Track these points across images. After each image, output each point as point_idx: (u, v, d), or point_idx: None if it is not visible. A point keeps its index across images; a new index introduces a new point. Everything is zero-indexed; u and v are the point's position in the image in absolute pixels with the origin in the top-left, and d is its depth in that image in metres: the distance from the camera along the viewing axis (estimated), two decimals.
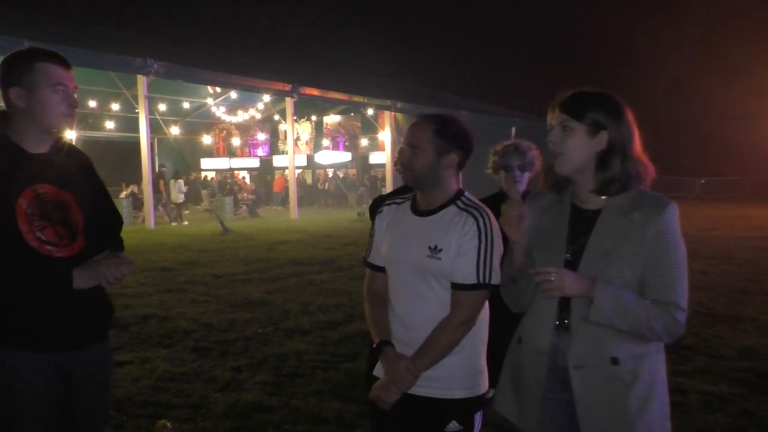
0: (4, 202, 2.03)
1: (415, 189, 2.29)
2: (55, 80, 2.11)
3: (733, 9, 41.26)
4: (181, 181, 20.58)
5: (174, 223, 19.68)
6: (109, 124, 26.07)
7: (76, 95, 2.20)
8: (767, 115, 34.71)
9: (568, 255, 1.96)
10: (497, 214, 3.15)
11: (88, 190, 2.28)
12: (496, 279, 2.14)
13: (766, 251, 11.48)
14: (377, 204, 3.20)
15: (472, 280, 2.12)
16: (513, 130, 29.93)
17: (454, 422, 2.14)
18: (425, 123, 2.22)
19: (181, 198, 20.37)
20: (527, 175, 3.43)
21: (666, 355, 2.00)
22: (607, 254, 1.89)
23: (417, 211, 2.26)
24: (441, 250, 2.14)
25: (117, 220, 2.42)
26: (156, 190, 19.76)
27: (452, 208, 2.20)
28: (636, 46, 42.89)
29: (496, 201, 3.31)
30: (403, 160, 2.25)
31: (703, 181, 35.41)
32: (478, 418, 2.21)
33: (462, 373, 2.17)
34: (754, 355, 5.11)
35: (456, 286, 2.14)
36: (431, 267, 2.15)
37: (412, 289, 2.20)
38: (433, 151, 2.18)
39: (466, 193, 2.28)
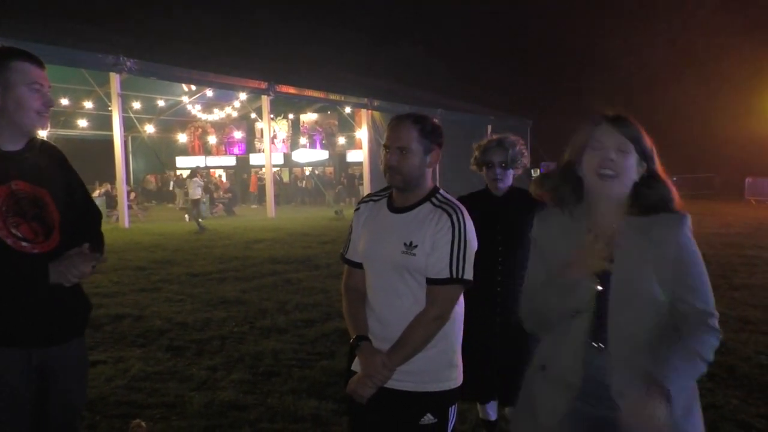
0: None
1: (402, 191, 2.27)
2: (32, 79, 2.14)
3: (702, 9, 41.99)
4: (197, 179, 20.79)
5: (201, 219, 19.35)
6: (82, 122, 25.75)
7: (50, 94, 2.23)
8: (738, 113, 35.37)
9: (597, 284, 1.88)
10: (481, 211, 3.04)
11: (63, 185, 2.29)
12: (469, 274, 2.19)
13: (735, 247, 11.73)
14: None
15: (446, 274, 2.15)
16: (489, 127, 30.15)
17: (428, 415, 2.17)
18: (409, 124, 2.22)
19: (198, 194, 20.52)
20: (511, 172, 3.32)
21: None
22: (634, 281, 1.86)
23: (393, 208, 2.29)
24: (416, 246, 2.17)
25: (95, 215, 2.43)
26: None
27: (427, 205, 2.23)
28: (606, 45, 43.39)
29: (480, 198, 3.35)
30: (391, 163, 2.21)
31: (674, 179, 35.95)
32: (452, 411, 2.24)
33: (437, 366, 2.20)
34: (723, 350, 5.21)
35: (430, 281, 2.17)
36: (406, 263, 2.18)
37: (388, 284, 2.23)
38: (421, 150, 2.21)
39: (441, 190, 2.30)
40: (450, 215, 2.19)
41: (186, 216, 20.66)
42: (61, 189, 2.26)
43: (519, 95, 42.35)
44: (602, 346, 1.89)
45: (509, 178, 3.33)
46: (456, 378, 2.25)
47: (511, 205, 3.28)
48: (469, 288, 2.25)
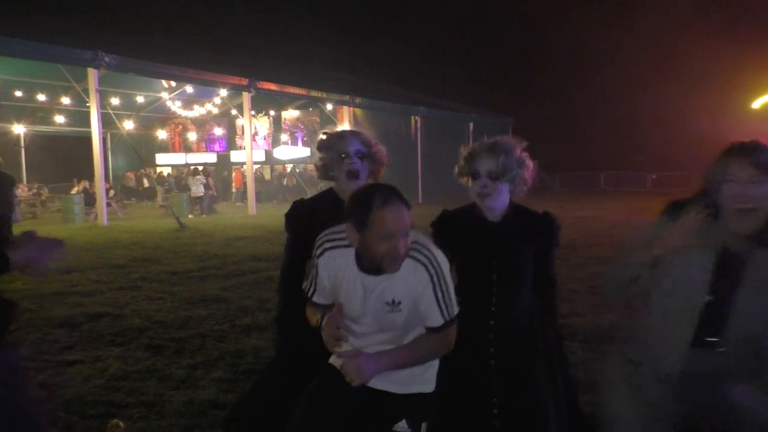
0: None
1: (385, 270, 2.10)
2: None
3: (686, 7, 42.48)
4: (199, 176, 22.46)
5: (204, 215, 21.12)
6: (59, 119, 25.40)
7: None
8: (714, 112, 35.83)
9: (710, 297, 2.05)
10: (471, 241, 2.65)
11: None
12: (456, 309, 2.17)
13: None
14: (298, 211, 3.00)
15: (440, 322, 2.15)
16: (471, 125, 30.26)
17: (404, 422, 2.13)
18: (402, 204, 2.04)
19: (201, 191, 21.99)
20: (504, 187, 2.60)
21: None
22: (757, 304, 1.97)
23: (365, 268, 2.13)
24: (400, 302, 2.13)
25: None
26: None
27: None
28: (590, 42, 43.73)
29: (469, 221, 2.69)
30: (400, 251, 2.04)
31: (654, 177, 36.32)
32: (425, 427, 2.19)
33: (417, 370, 2.20)
34: None
35: (428, 329, 2.18)
36: (394, 319, 2.16)
37: (374, 329, 2.20)
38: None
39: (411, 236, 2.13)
40: (426, 265, 2.11)
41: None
42: None
43: (500, 93, 42.54)
44: (713, 340, 2.05)
45: (502, 194, 2.60)
46: (432, 381, 2.25)
47: (508, 234, 2.62)
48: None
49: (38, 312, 6.71)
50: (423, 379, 2.22)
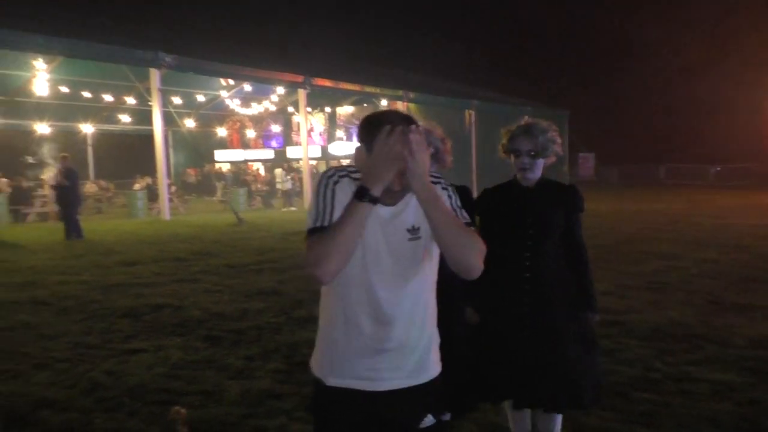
0: None
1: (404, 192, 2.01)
2: None
3: None
4: (282, 171, 24.71)
5: (284, 209, 22.21)
6: (124, 118, 26.29)
7: None
8: None
9: None
10: (509, 203, 3.11)
11: None
12: (467, 218, 2.06)
13: None
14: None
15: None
16: (525, 118, 29.78)
17: (429, 417, 2.08)
18: (411, 126, 1.93)
19: (289, 186, 23.81)
20: (541, 162, 3.07)
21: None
22: None
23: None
24: (419, 228, 2.03)
25: None
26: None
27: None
28: (646, 28, 42.41)
29: (507, 189, 3.17)
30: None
31: (717, 169, 34.99)
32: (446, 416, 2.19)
33: (428, 352, 2.11)
34: (766, 344, 5.09)
35: None
36: (413, 248, 2.04)
37: (392, 272, 2.03)
38: None
39: None
40: (444, 187, 2.05)
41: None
42: None
43: (556, 86, 41.72)
44: None
45: (539, 168, 3.09)
46: (438, 362, 2.14)
47: (541, 197, 3.08)
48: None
49: (104, 303, 7.01)
50: (431, 363, 2.11)
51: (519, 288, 3.05)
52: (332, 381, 2.03)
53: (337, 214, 1.94)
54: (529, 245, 3.04)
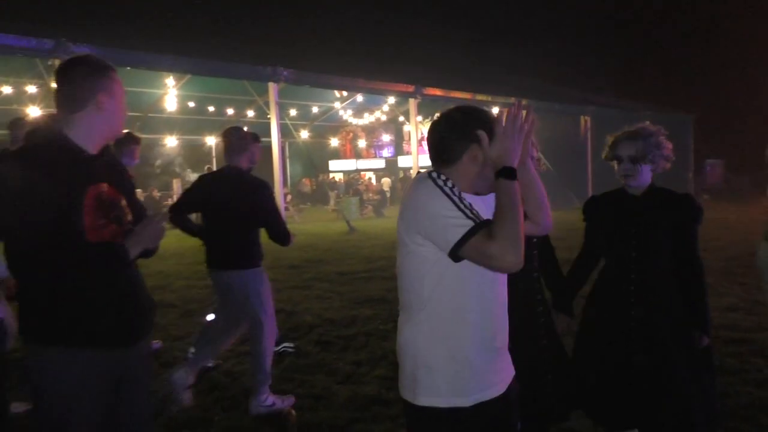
0: (73, 200, 2.06)
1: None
2: (123, 90, 2.26)
3: None
4: (389, 180, 26.46)
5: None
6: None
7: None
8: None
9: None
10: (614, 212, 3.01)
11: (131, 191, 2.38)
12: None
13: None
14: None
15: None
16: (647, 124, 28.37)
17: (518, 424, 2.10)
18: None
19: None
20: (647, 168, 2.93)
21: None
22: None
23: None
24: None
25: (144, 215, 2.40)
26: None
27: None
28: None
29: (614, 197, 3.06)
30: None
31: None
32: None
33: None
34: None
35: None
36: None
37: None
38: None
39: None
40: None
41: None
42: (131, 194, 2.35)
43: (680, 90, 39.48)
44: None
45: (644, 174, 2.95)
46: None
47: (649, 206, 2.94)
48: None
49: None
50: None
51: (625, 301, 2.93)
52: (473, 399, 1.94)
53: (477, 210, 1.88)
54: (633, 256, 2.94)
